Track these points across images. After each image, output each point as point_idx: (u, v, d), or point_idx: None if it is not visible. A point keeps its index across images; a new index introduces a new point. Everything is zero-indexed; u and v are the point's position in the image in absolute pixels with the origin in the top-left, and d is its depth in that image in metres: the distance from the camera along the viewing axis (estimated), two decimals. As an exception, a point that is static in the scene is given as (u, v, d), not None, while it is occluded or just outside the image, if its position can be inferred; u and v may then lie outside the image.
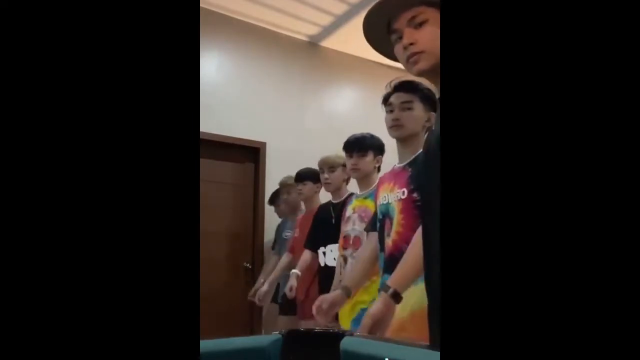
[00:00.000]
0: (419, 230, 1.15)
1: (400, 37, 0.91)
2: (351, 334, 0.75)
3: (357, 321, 1.64)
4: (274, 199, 3.30)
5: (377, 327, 1.15)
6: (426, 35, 0.89)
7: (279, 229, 3.18)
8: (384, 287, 1.18)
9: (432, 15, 0.89)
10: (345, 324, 1.74)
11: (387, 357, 0.62)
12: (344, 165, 2.22)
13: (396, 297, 1.16)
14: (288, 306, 2.66)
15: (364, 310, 1.56)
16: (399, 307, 1.26)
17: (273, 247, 3.29)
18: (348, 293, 1.40)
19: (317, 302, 1.33)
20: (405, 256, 1.21)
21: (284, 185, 2.98)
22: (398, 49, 0.93)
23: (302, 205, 2.88)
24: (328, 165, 2.29)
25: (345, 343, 0.73)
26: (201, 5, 3.28)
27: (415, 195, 1.31)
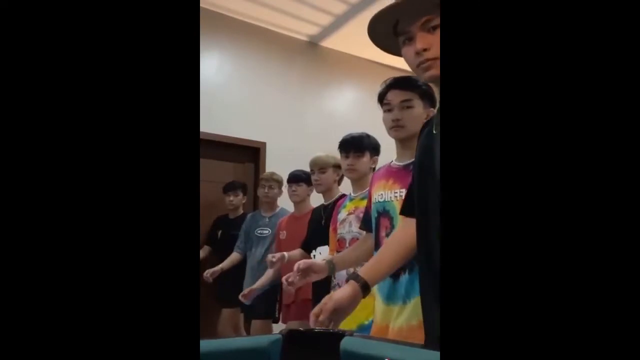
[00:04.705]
0: (401, 226, 1.14)
1: (410, 39, 0.85)
2: (351, 334, 0.75)
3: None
4: (233, 188, 3.14)
5: (337, 315, 1.00)
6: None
7: (248, 225, 2.96)
8: (354, 277, 1.07)
9: None
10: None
11: (387, 357, 0.62)
12: (335, 166, 2.16)
13: (365, 290, 1.06)
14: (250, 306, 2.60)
15: (359, 325, 1.53)
16: (395, 317, 1.24)
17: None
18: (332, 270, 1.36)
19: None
20: (382, 249, 1.16)
21: (266, 180, 2.85)
22: (408, 52, 0.86)
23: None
24: (318, 166, 2.20)
25: (345, 343, 0.73)
26: (201, 5, 3.28)
27: None
